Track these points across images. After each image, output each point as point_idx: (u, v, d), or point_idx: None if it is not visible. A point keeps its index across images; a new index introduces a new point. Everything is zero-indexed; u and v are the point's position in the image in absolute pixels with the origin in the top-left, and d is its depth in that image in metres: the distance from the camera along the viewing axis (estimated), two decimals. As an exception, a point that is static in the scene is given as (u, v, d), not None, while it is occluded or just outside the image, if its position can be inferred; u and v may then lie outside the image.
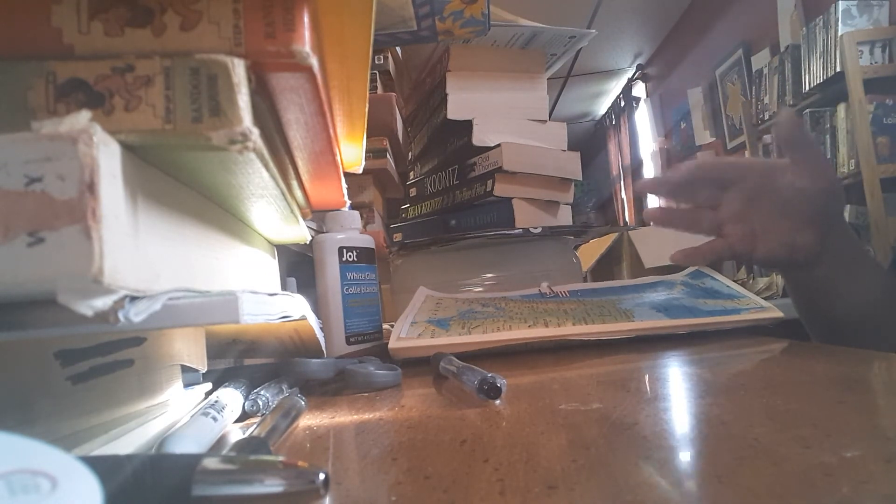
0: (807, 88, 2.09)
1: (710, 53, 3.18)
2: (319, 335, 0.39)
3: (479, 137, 0.70)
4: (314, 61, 0.20)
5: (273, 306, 0.26)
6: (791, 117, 0.50)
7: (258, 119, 0.21)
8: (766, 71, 2.46)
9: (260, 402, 0.32)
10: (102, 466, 0.15)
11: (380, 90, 0.81)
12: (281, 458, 0.18)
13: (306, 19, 0.20)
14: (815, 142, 0.53)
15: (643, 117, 4.27)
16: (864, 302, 0.50)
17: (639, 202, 4.49)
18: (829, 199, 0.49)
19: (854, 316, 0.50)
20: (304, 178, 0.33)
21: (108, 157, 0.15)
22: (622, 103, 4.61)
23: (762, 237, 0.51)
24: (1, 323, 0.16)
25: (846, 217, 1.85)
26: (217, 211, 0.28)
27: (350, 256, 0.53)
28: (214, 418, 0.26)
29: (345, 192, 0.37)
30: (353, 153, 0.38)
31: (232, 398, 0.30)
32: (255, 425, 0.26)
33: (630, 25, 3.56)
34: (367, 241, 0.55)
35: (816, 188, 0.48)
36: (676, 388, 0.30)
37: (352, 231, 0.55)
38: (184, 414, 0.30)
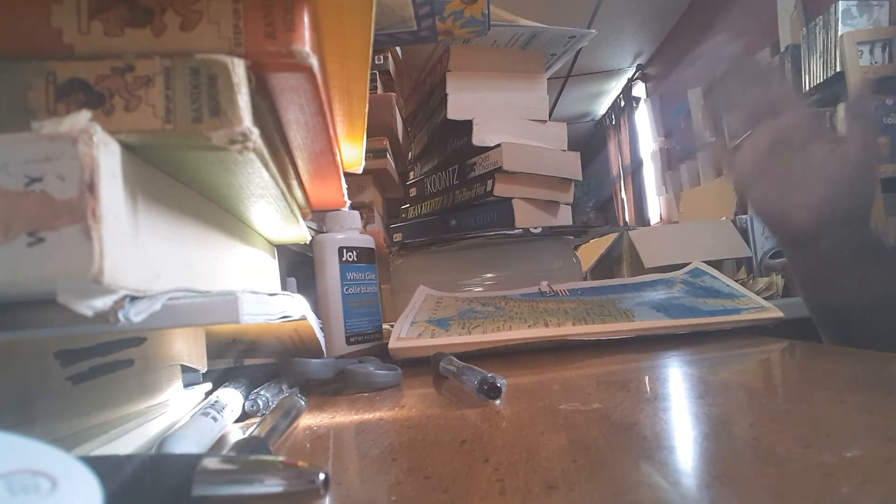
0: (807, 88, 2.09)
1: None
2: (319, 335, 0.39)
3: (479, 137, 0.70)
4: (314, 61, 0.20)
5: (273, 306, 0.26)
6: (867, 85, 0.48)
7: (258, 119, 0.21)
8: (766, 71, 2.46)
9: (260, 402, 0.32)
10: (102, 466, 0.15)
11: (380, 90, 0.81)
12: (281, 458, 0.18)
13: (306, 19, 0.20)
14: (875, 130, 0.49)
15: (643, 117, 4.27)
16: (867, 297, 0.47)
17: (639, 202, 4.50)
18: (852, 192, 0.46)
19: (855, 309, 0.48)
20: (304, 178, 0.33)
21: (108, 157, 0.15)
22: (622, 103, 4.61)
23: (764, 185, 0.49)
24: (1, 323, 0.16)
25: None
26: (217, 211, 0.28)
27: (350, 256, 0.53)
28: (214, 418, 0.26)
29: (345, 192, 0.37)
30: (353, 153, 0.38)
31: (232, 398, 0.30)
32: (255, 425, 0.26)
33: (630, 25, 3.56)
34: (367, 241, 0.55)
35: (847, 174, 0.45)
36: (676, 388, 0.30)
37: (352, 231, 0.55)
38: (184, 414, 0.30)
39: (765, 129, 0.49)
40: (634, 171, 4.53)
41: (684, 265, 0.65)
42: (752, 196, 0.50)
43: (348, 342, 0.52)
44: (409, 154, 0.96)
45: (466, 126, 0.71)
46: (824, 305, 0.51)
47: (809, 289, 0.52)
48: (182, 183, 0.23)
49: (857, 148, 0.46)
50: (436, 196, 0.82)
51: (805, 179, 0.47)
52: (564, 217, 0.76)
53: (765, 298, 0.51)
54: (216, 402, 0.29)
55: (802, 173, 0.47)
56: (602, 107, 5.06)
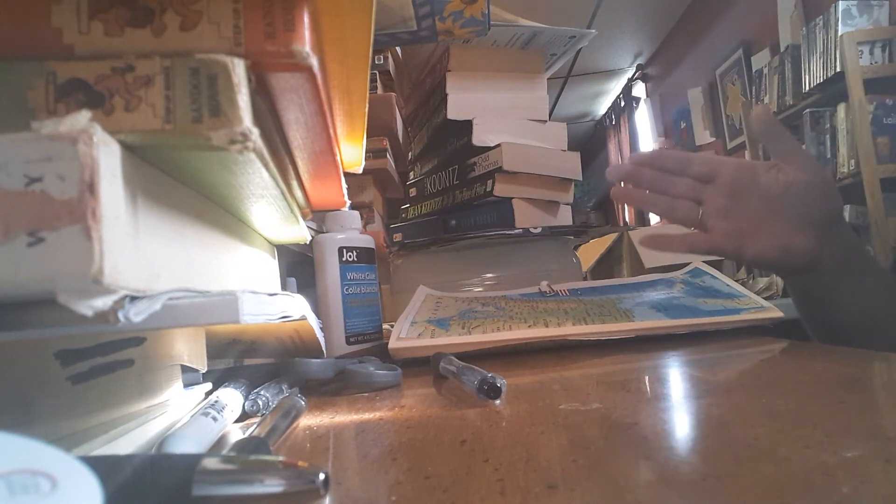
0: (807, 88, 2.09)
1: (710, 53, 3.18)
2: (319, 335, 0.39)
3: (479, 137, 0.70)
4: (314, 61, 0.20)
5: (273, 306, 0.26)
6: (764, 110, 0.49)
7: (258, 119, 0.21)
8: (766, 71, 2.47)
9: (260, 402, 0.32)
10: (102, 466, 0.15)
11: (380, 90, 0.81)
12: (281, 458, 0.18)
13: (306, 19, 0.20)
14: (793, 136, 0.51)
15: (643, 117, 4.27)
16: (866, 307, 0.48)
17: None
18: (820, 195, 0.47)
19: (856, 321, 0.49)
20: (304, 178, 0.33)
21: (108, 157, 0.15)
22: (622, 103, 4.61)
23: (752, 236, 0.49)
24: (1, 323, 0.16)
25: (846, 217, 1.84)
26: (217, 211, 0.28)
27: (350, 256, 0.53)
28: (214, 418, 0.26)
29: (345, 192, 0.37)
30: (353, 153, 0.38)
31: (232, 398, 0.30)
32: (255, 425, 0.26)
33: (630, 25, 3.56)
34: (367, 241, 0.55)
35: (804, 183, 0.47)
36: (676, 388, 0.30)
37: (352, 231, 0.55)
38: (184, 414, 0.30)
39: (711, 197, 0.51)
40: (634, 171, 4.52)
41: (684, 265, 0.65)
42: (749, 255, 0.50)
43: (348, 342, 0.52)
44: (409, 154, 0.96)
45: (466, 126, 0.71)
46: (826, 321, 0.51)
47: (812, 311, 0.53)
48: (182, 183, 0.23)
49: (796, 157, 0.48)
50: (436, 196, 0.82)
51: (782, 210, 0.48)
52: (564, 217, 0.76)
53: (765, 298, 0.51)
54: (216, 402, 0.29)
55: (773, 205, 0.48)
56: (602, 107, 5.06)
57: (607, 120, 5.07)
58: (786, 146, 0.48)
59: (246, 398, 0.32)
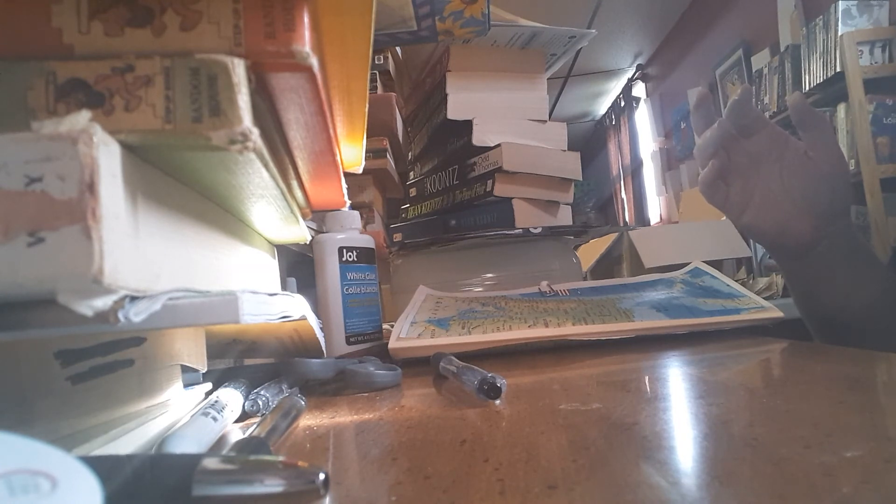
0: (807, 88, 2.09)
1: (710, 53, 3.18)
2: (319, 335, 0.39)
3: (479, 137, 0.70)
4: (314, 61, 0.20)
5: (273, 306, 0.26)
6: (800, 98, 0.49)
7: (258, 119, 0.21)
8: (766, 71, 2.46)
9: (260, 402, 0.32)
10: (102, 466, 0.15)
11: (380, 90, 0.81)
12: (281, 458, 0.18)
13: (306, 19, 0.20)
14: (829, 126, 0.51)
15: (643, 117, 4.27)
16: (862, 300, 0.49)
17: (639, 202, 4.50)
18: (834, 190, 0.48)
19: (851, 313, 0.49)
20: (304, 178, 0.33)
21: (108, 157, 0.15)
22: (622, 103, 4.61)
23: (755, 205, 0.50)
24: (1, 323, 0.16)
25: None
26: (217, 211, 0.28)
27: (350, 256, 0.53)
28: (214, 418, 0.26)
29: (345, 192, 0.37)
30: (353, 153, 0.38)
31: (232, 398, 0.30)
32: (255, 425, 0.26)
33: (630, 25, 3.56)
34: (367, 241, 0.55)
35: (824, 174, 0.47)
36: (676, 388, 0.30)
37: (352, 231, 0.55)
38: (184, 414, 0.30)
39: (738, 153, 0.51)
40: (634, 171, 4.53)
41: (684, 265, 0.65)
42: (744, 222, 0.52)
43: (348, 342, 0.52)
44: (409, 154, 0.96)
45: (466, 126, 0.71)
46: (821, 313, 0.52)
47: (807, 298, 0.53)
48: (182, 183, 0.23)
49: (825, 147, 0.48)
50: (436, 196, 0.82)
51: (791, 187, 0.49)
52: (564, 217, 0.76)
53: (765, 298, 0.51)
54: (216, 402, 0.29)
55: (787, 184, 0.49)
56: (602, 107, 5.06)
57: (607, 120, 5.07)
58: (819, 135, 0.48)
59: (246, 398, 0.32)
